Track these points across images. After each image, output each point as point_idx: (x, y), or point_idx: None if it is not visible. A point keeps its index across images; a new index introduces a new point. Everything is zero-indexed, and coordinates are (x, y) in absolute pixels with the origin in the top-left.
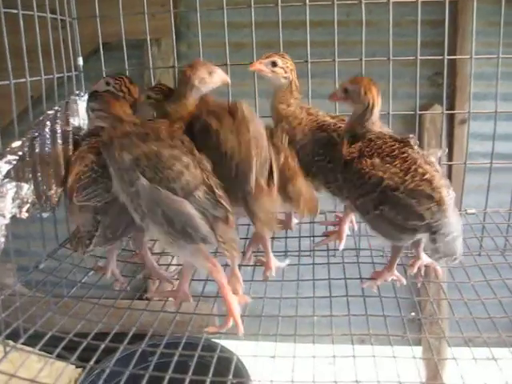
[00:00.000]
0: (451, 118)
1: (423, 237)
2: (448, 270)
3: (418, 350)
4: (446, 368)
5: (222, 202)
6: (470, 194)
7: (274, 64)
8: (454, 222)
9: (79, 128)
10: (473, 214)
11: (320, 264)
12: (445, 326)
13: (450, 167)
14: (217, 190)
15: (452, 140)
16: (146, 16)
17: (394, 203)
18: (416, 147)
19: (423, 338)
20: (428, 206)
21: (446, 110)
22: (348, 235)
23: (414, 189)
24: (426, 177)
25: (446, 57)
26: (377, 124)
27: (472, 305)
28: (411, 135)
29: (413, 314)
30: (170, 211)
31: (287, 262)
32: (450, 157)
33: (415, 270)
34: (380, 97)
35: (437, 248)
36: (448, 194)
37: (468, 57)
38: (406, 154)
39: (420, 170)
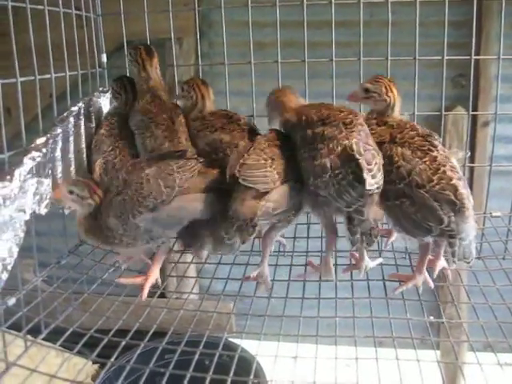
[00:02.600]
0: (473, 121)
1: (436, 239)
2: (473, 273)
3: (437, 354)
4: (465, 373)
5: None
6: (492, 197)
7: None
8: (471, 227)
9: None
10: (498, 216)
11: (342, 265)
12: (466, 330)
13: (471, 169)
14: None
15: (474, 143)
16: (171, 14)
17: (416, 200)
18: (440, 146)
19: (442, 341)
20: (449, 213)
21: (471, 111)
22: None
23: (439, 191)
24: (452, 182)
25: (473, 57)
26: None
27: (496, 309)
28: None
29: (431, 317)
30: None
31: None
32: (472, 159)
33: (436, 272)
34: (400, 96)
35: (454, 252)
36: (469, 201)
37: (496, 57)
38: (435, 154)
39: (448, 174)
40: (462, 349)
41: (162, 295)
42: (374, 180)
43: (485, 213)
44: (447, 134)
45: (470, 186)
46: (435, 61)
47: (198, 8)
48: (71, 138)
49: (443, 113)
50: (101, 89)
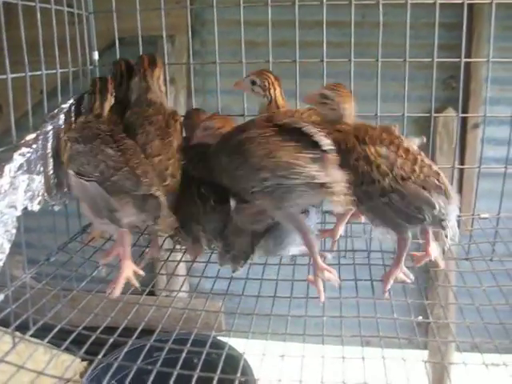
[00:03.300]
0: (464, 123)
1: (427, 227)
2: (460, 274)
3: (425, 354)
4: (452, 373)
5: None
6: (481, 198)
7: (254, 83)
8: (455, 208)
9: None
10: (486, 218)
11: (330, 265)
12: (452, 330)
13: (461, 171)
14: None
15: (464, 144)
16: (163, 12)
17: (404, 192)
18: (402, 137)
19: (430, 342)
20: (438, 198)
21: (461, 113)
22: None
23: (425, 179)
24: (433, 168)
25: (463, 59)
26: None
27: (482, 310)
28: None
29: (420, 317)
30: None
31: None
32: (461, 161)
33: (421, 263)
34: (353, 106)
35: (447, 234)
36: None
37: (485, 60)
38: (406, 145)
39: (426, 161)
40: (450, 349)
41: (152, 293)
42: None
43: (473, 214)
44: (437, 135)
45: (460, 188)
46: (426, 62)
47: (191, 7)
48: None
49: (433, 115)
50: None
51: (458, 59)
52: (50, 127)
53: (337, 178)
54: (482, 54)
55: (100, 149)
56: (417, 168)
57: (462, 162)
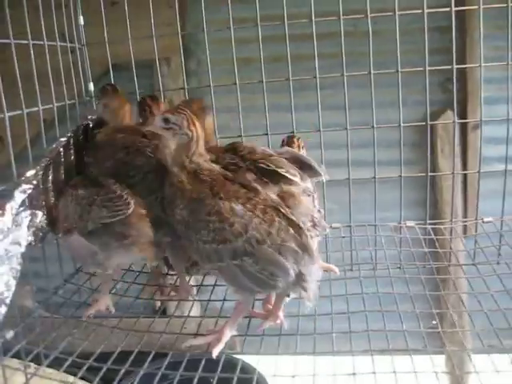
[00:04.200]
0: (464, 124)
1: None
2: (467, 280)
3: (440, 359)
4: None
5: None
6: (485, 199)
7: (167, 121)
8: (317, 268)
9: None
10: (489, 222)
11: (337, 280)
12: (466, 335)
13: (465, 174)
14: None
15: (466, 146)
16: (154, 38)
17: (258, 256)
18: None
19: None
20: (297, 258)
21: (459, 115)
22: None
23: (281, 244)
24: (291, 231)
25: (455, 66)
26: (204, 157)
27: (492, 315)
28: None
29: (434, 322)
30: None
31: None
32: (464, 163)
33: (266, 325)
34: (201, 128)
35: (308, 296)
36: (313, 239)
37: (477, 65)
38: (264, 203)
39: (283, 223)
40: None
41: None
42: None
43: (476, 219)
44: (438, 138)
45: (465, 191)
46: (421, 66)
47: (182, 32)
48: (62, 169)
49: (428, 123)
50: (89, 117)
51: (449, 66)
52: (49, 162)
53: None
54: (477, 54)
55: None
56: (273, 231)
57: (464, 163)
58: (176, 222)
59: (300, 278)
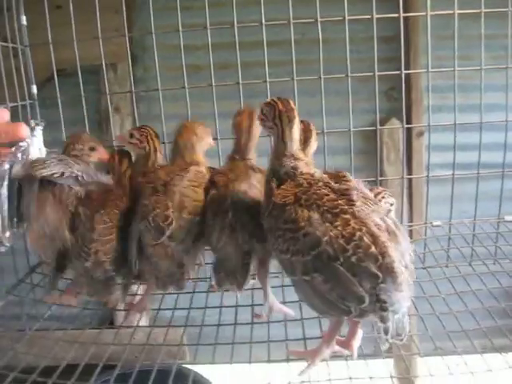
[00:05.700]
0: (408, 131)
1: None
2: (418, 283)
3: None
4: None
5: None
6: (430, 204)
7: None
8: (406, 297)
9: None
10: (438, 226)
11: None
12: (415, 339)
13: (410, 180)
14: None
15: (410, 152)
16: (101, 41)
17: (329, 274)
18: (359, 203)
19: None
20: (371, 287)
21: (405, 123)
22: None
23: (356, 263)
24: (371, 250)
25: (404, 71)
26: (302, 159)
27: (444, 318)
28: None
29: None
30: None
31: None
32: (409, 169)
33: (355, 353)
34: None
35: (387, 328)
36: (401, 265)
37: (425, 71)
38: (348, 216)
39: (366, 240)
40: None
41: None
42: None
43: (425, 222)
44: (384, 145)
45: (410, 196)
46: (367, 76)
47: (129, 34)
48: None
49: (378, 127)
50: (32, 121)
51: (398, 72)
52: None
53: None
54: (420, 64)
55: None
56: (350, 248)
57: (409, 170)
58: (265, 231)
59: (378, 306)
